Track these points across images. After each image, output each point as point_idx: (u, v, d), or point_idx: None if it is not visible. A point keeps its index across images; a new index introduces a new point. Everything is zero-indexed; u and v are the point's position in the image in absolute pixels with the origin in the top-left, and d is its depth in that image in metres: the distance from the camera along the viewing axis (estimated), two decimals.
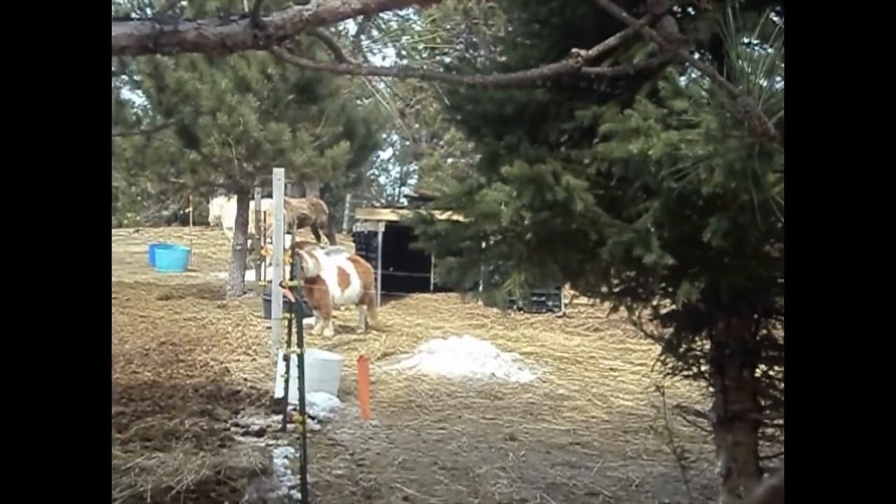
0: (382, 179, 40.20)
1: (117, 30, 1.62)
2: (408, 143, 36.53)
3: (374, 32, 28.81)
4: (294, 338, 6.46)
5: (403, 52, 30.57)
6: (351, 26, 27.20)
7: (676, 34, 1.59)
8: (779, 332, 4.88)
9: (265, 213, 15.60)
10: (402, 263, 13.96)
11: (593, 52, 1.64)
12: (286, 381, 7.24)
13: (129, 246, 24.58)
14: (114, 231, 27.76)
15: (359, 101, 22.01)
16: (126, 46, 1.67)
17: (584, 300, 11.01)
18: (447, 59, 23.97)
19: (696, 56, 4.53)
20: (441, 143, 31.67)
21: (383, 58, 31.91)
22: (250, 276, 16.02)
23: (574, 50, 1.67)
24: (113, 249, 22.95)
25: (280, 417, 7.35)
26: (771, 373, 4.89)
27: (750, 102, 1.63)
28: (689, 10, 3.87)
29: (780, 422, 4.77)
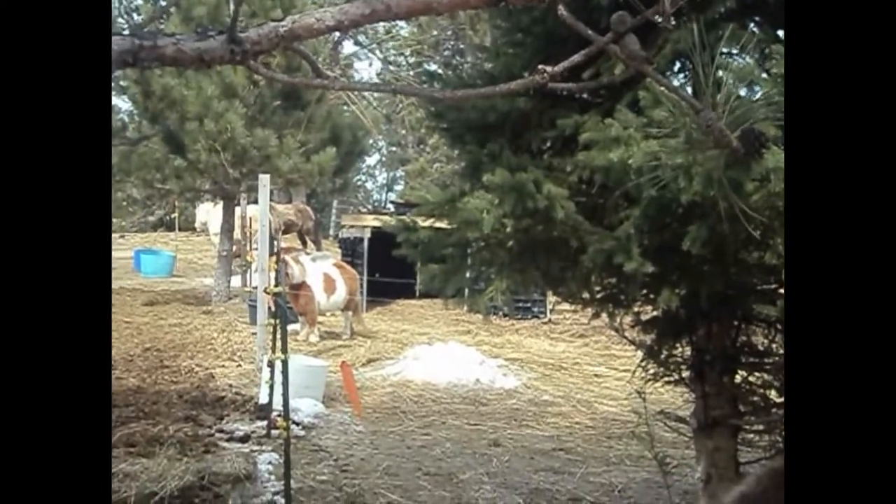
0: (369, 185, 40.26)
1: None
2: (394, 149, 36.59)
3: (362, 38, 28.84)
4: (279, 344, 6.47)
5: (390, 58, 30.63)
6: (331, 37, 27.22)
7: (639, 52, 1.62)
8: (758, 339, 4.93)
9: (251, 218, 15.59)
10: (388, 270, 13.94)
11: (559, 68, 1.68)
12: (271, 387, 7.25)
13: (114, 251, 24.50)
14: None
15: (345, 108, 22.03)
16: None
17: (568, 306, 11.06)
18: (433, 66, 24.01)
19: (678, 67, 4.60)
20: (427, 148, 31.73)
21: (370, 63, 32.02)
22: (236, 281, 16.01)
23: (540, 66, 1.71)
24: None
25: (265, 423, 7.35)
26: (751, 379, 4.94)
27: (712, 116, 1.67)
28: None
29: (760, 427, 4.82)
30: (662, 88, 2.08)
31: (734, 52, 4.19)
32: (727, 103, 1.70)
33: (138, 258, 20.97)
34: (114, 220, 31.04)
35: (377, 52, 30.22)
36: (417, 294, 15.85)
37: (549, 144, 4.51)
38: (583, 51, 1.67)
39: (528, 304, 14.60)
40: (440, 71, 7.31)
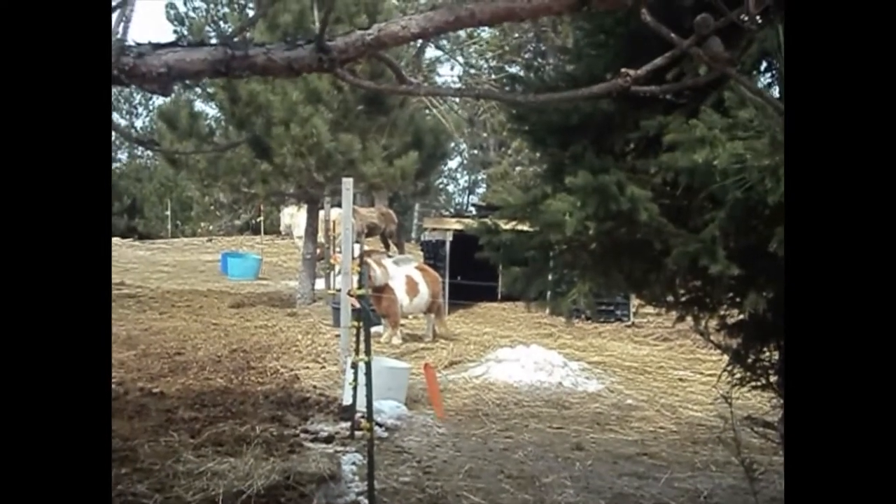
0: (451, 188, 40.44)
1: (192, 55, 1.70)
2: (476, 151, 36.63)
3: (444, 42, 28.97)
4: (362, 346, 6.54)
5: (472, 62, 30.70)
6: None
7: (722, 53, 1.61)
8: None
9: (335, 222, 15.79)
10: (470, 272, 13.99)
11: (641, 71, 1.67)
12: (354, 389, 7.32)
13: (202, 255, 25.08)
14: (187, 240, 28.39)
15: (427, 112, 22.15)
16: (200, 71, 1.75)
17: (652, 310, 10.95)
18: (514, 68, 23.98)
19: (765, 66, 4.52)
20: (509, 151, 31.70)
21: (452, 67, 32.10)
22: (320, 284, 16.24)
23: (623, 70, 1.71)
24: (186, 258, 23.45)
25: (348, 424, 7.44)
26: None
27: None
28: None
29: None
30: (745, 90, 2.06)
31: None
32: None
33: (225, 261, 21.41)
34: (202, 224, 31.82)
35: (459, 56, 30.34)
36: (499, 297, 15.86)
37: (632, 146, 4.48)
38: (665, 54, 1.67)
39: (612, 308, 14.49)
40: (521, 74, 7.30)
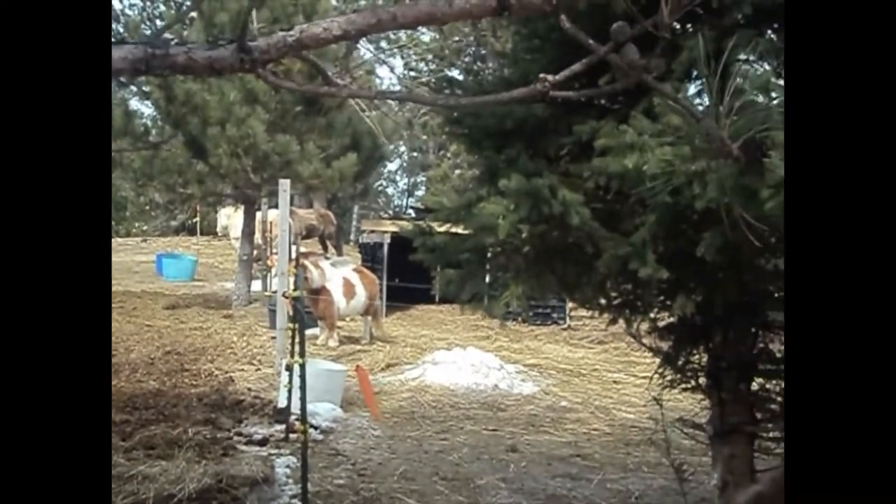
0: (390, 190, 40.35)
1: (113, 54, 1.68)
2: (416, 154, 36.65)
3: (384, 44, 28.90)
4: (297, 348, 6.51)
5: (411, 65, 30.69)
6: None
7: (638, 61, 1.64)
8: (776, 346, 4.91)
9: (272, 223, 15.68)
10: (408, 275, 13.97)
11: (560, 77, 1.70)
12: (289, 391, 7.29)
13: (136, 255, 24.69)
14: (121, 240, 27.92)
15: (366, 114, 22.07)
16: (120, 69, 1.73)
17: (588, 313, 11.04)
18: (453, 72, 24.05)
19: (696, 74, 4.59)
20: (448, 154, 31.76)
21: (391, 69, 32.05)
22: (256, 286, 16.10)
23: (542, 75, 1.73)
24: (120, 259, 23.07)
25: (283, 427, 7.39)
26: (768, 386, 4.92)
27: (711, 125, 1.68)
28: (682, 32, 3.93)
29: (776, 434, 4.81)
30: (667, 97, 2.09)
31: (752, 59, 4.19)
32: (731, 112, 1.71)
33: (160, 262, 21.13)
34: (136, 225, 31.29)
35: (399, 58, 30.30)
36: (437, 299, 15.88)
37: (565, 150, 4.52)
38: (583, 60, 1.70)
39: (548, 311, 14.60)
40: (460, 77, 7.34)
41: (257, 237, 16.29)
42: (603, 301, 4.89)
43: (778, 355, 4.95)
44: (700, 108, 3.54)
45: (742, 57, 3.95)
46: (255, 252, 16.19)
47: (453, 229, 4.66)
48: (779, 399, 4.91)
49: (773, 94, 3.89)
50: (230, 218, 20.11)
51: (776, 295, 4.54)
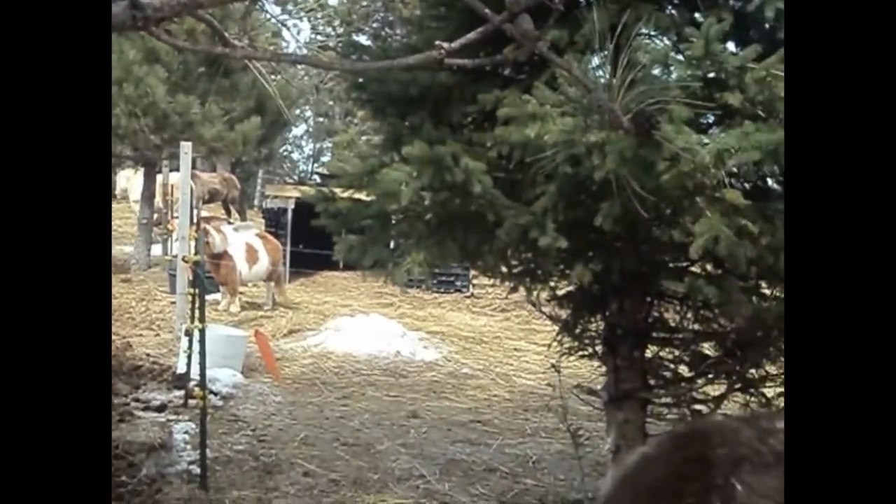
0: (295, 156, 39.83)
1: None
2: (322, 119, 36.30)
3: (290, 6, 28.44)
4: (197, 313, 6.43)
5: (319, 27, 30.29)
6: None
7: (532, 31, 1.67)
8: (669, 315, 5.06)
9: (173, 186, 15.37)
10: (312, 241, 13.88)
11: (455, 45, 1.71)
12: (189, 357, 7.19)
13: None
14: None
15: (272, 77, 21.74)
16: None
17: (491, 281, 11.16)
18: (361, 37, 23.86)
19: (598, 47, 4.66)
20: (355, 120, 31.52)
21: (298, 31, 31.54)
22: (157, 250, 15.79)
23: (437, 42, 1.74)
24: None
25: (182, 393, 7.30)
26: (661, 354, 5.07)
27: (602, 98, 1.72)
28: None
29: (668, 400, 4.96)
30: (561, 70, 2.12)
31: (652, 33, 4.27)
32: (625, 85, 1.75)
33: None
34: None
35: (305, 21, 29.86)
36: (341, 266, 15.82)
37: (469, 119, 4.55)
38: (479, 28, 1.71)
39: (451, 279, 14.68)
40: (367, 43, 7.30)
41: (158, 200, 15.94)
42: (504, 269, 4.96)
43: (671, 324, 5.10)
44: (603, 80, 3.61)
45: (644, 31, 4.03)
46: (155, 215, 15.86)
47: (357, 195, 4.66)
48: (671, 366, 5.07)
49: (672, 68, 3.99)
50: (129, 180, 19.60)
51: (670, 265, 4.67)
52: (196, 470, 5.71)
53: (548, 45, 1.87)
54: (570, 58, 3.67)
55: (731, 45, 4.18)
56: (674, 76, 3.88)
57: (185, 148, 10.07)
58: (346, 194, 4.70)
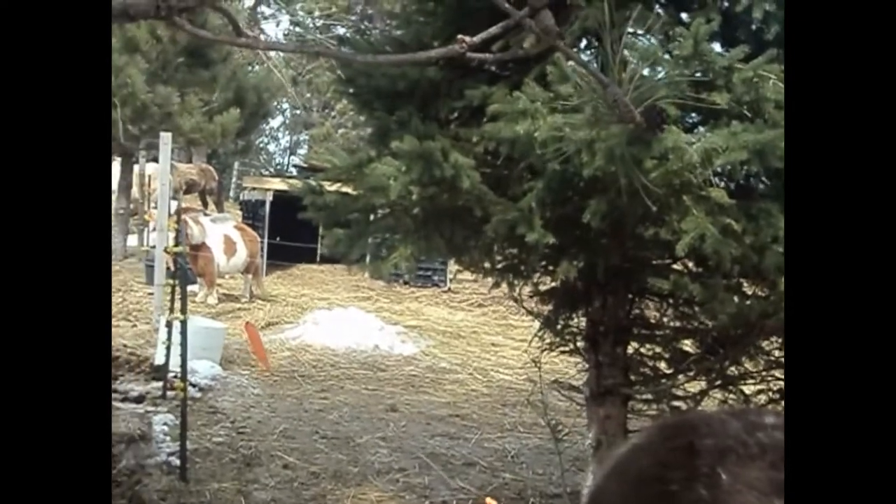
0: (272, 148, 39.63)
1: None
2: (298, 112, 36.14)
3: None
4: (177, 304, 6.40)
5: (298, 20, 30.17)
6: None
7: (553, 27, 1.69)
8: (651, 312, 5.10)
9: (150, 177, 15.27)
10: (290, 233, 13.86)
11: (477, 39, 1.73)
12: (168, 348, 7.16)
13: None
14: None
15: (250, 68, 21.65)
16: None
17: (469, 276, 11.20)
18: (341, 31, 23.80)
19: (585, 44, 4.69)
20: (333, 113, 31.43)
21: (277, 24, 31.42)
22: (132, 241, 15.68)
23: (459, 36, 1.76)
24: None
25: (160, 384, 7.28)
26: (642, 350, 5.11)
27: (618, 92, 1.74)
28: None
29: (649, 396, 5.00)
30: (571, 63, 2.15)
31: (639, 32, 4.30)
32: (631, 81, 1.78)
33: None
34: None
35: (285, 13, 29.76)
36: (319, 259, 15.79)
37: (457, 114, 4.56)
38: (501, 23, 1.73)
39: (429, 273, 14.69)
40: (349, 35, 7.29)
41: (134, 191, 15.84)
42: (488, 264, 4.98)
43: (652, 321, 5.15)
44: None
45: (630, 30, 4.06)
46: (131, 206, 15.75)
47: (343, 189, 4.66)
48: (652, 363, 5.11)
49: (659, 68, 4.03)
50: None
51: (654, 262, 4.71)
52: (175, 461, 5.69)
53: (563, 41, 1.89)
54: (559, 55, 3.70)
55: (717, 46, 4.23)
56: (661, 75, 3.91)
57: (165, 139, 10.02)
58: (333, 188, 4.71)
